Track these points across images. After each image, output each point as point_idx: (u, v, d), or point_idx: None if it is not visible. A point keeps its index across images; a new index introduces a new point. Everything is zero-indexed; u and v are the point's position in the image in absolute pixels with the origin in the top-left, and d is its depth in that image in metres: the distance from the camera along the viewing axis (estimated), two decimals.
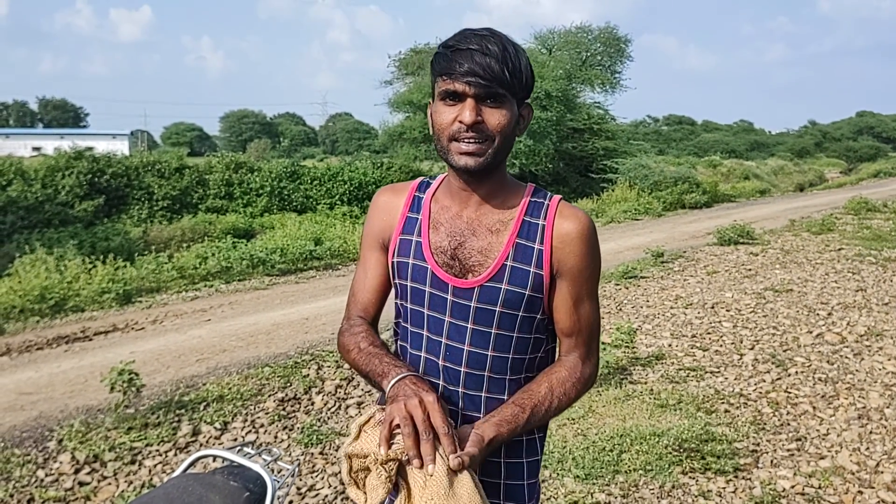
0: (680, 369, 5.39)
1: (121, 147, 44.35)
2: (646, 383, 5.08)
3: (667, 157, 31.40)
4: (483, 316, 1.45)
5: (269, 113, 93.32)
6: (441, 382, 1.48)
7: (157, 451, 3.98)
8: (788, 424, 4.36)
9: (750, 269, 9.44)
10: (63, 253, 9.94)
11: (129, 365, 4.32)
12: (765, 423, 4.35)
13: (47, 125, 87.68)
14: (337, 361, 5.48)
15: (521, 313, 1.46)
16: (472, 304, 1.45)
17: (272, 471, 1.74)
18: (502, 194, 1.49)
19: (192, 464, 1.73)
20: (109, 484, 3.64)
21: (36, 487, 3.56)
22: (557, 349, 1.57)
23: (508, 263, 1.44)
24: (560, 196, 1.53)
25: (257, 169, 19.30)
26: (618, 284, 8.62)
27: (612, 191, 20.47)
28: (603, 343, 5.28)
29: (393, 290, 1.60)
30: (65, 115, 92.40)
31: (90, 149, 17.58)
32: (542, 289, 1.46)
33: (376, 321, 1.64)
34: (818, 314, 6.88)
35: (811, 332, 6.25)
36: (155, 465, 3.83)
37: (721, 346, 6.01)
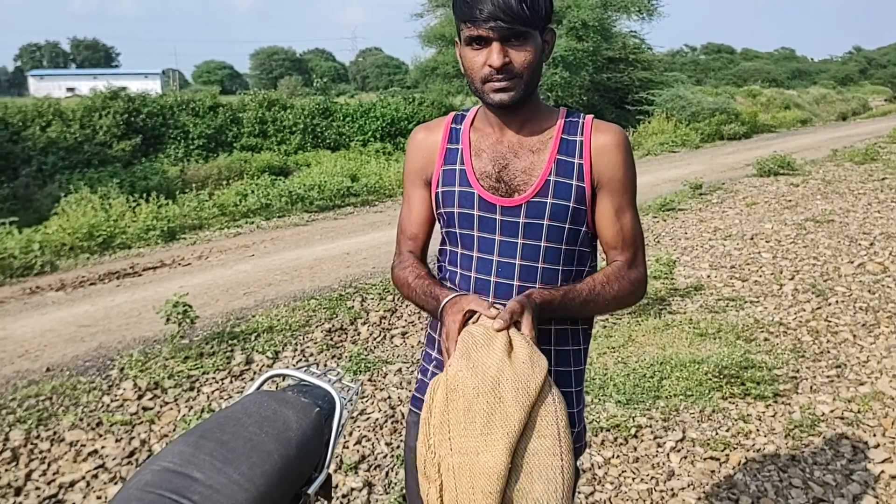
0: (719, 299, 5.42)
1: (153, 86, 44.53)
2: (685, 313, 5.13)
3: (705, 88, 30.63)
4: (532, 230, 1.53)
5: (299, 49, 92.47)
6: (492, 299, 1.55)
7: (214, 378, 4.17)
8: (828, 352, 4.39)
9: (790, 201, 9.33)
10: (106, 192, 10.14)
11: (182, 297, 4.48)
12: (804, 351, 4.40)
13: (80, 65, 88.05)
14: (380, 294, 5.60)
15: (567, 225, 1.54)
16: (521, 220, 1.53)
17: (338, 389, 1.84)
18: (538, 118, 1.57)
19: (265, 382, 1.83)
20: (171, 409, 3.84)
21: (103, 412, 3.76)
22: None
23: (552, 178, 1.52)
24: (592, 115, 1.60)
25: (290, 106, 19.30)
26: (655, 217, 8.59)
27: (649, 123, 20.15)
28: None
29: (438, 220, 1.67)
30: (96, 55, 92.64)
31: (124, 88, 17.72)
32: (584, 200, 1.53)
33: (425, 253, 1.73)
34: (860, 244, 6.82)
35: (852, 262, 6.22)
36: (212, 392, 4.02)
37: (760, 276, 6.01)
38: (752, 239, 7.28)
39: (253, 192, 10.41)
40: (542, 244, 1.54)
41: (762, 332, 4.74)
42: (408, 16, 34.51)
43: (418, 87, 25.24)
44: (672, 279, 5.91)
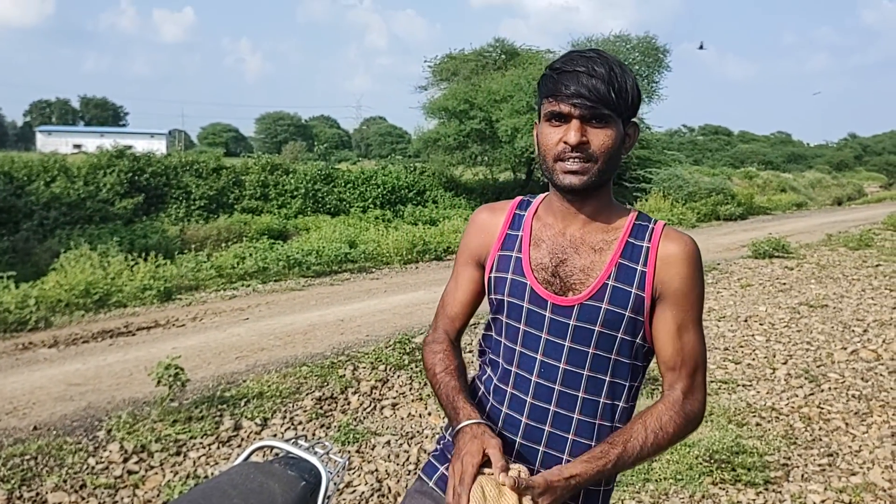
0: (712, 381, 5.42)
1: (159, 146, 45.13)
2: None
3: (702, 168, 31.17)
4: (581, 334, 1.45)
5: (305, 115, 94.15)
6: (529, 399, 1.49)
7: (201, 443, 4.13)
8: (820, 440, 4.37)
9: (784, 284, 9.40)
10: (105, 249, 10.20)
11: (175, 360, 4.47)
12: (796, 438, 4.37)
13: (88, 123, 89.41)
14: (372, 363, 5.59)
15: (620, 335, 1.45)
16: (571, 322, 1.45)
17: (325, 462, 1.84)
18: (606, 214, 1.50)
19: (252, 453, 1.84)
20: (156, 473, 3.79)
21: (87, 474, 3.72)
22: (661, 388, 1.54)
23: (610, 283, 1.44)
24: (665, 222, 1.54)
25: (292, 171, 19.58)
26: None
27: (646, 200, 20.41)
28: None
29: (489, 306, 1.61)
30: (105, 114, 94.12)
31: (129, 147, 18.00)
32: (642, 311, 1.44)
33: (460, 335, 1.71)
34: (853, 331, 6.84)
35: (846, 349, 6.23)
36: (199, 458, 3.98)
37: (754, 359, 6.02)
38: (746, 321, 7.31)
39: (251, 255, 10.47)
40: (591, 351, 1.45)
41: (754, 416, 4.72)
42: (412, 88, 35.22)
43: (419, 157, 25.65)
44: None
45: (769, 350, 6.27)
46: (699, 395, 1.50)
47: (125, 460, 3.88)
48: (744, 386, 5.35)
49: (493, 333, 1.60)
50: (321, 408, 4.80)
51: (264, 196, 18.76)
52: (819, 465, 4.01)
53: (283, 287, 9.37)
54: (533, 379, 1.49)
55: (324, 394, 5.01)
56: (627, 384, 1.50)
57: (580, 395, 1.47)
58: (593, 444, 1.46)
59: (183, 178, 17.67)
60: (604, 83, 1.36)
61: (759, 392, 5.21)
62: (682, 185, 20.75)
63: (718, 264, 11.03)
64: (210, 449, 4.09)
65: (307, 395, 4.96)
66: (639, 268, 1.45)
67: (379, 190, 19.88)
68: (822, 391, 5.21)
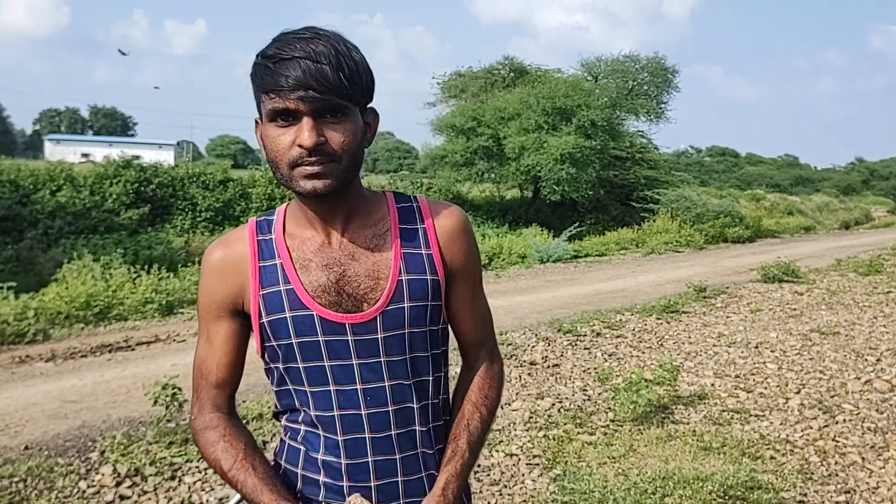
0: (724, 410, 5.28)
1: (166, 157, 45.24)
2: (688, 423, 4.98)
3: (709, 189, 31.08)
4: (393, 343, 1.30)
5: None
6: (368, 435, 1.31)
7: (197, 467, 4.00)
8: (837, 475, 4.23)
9: (795, 309, 9.25)
10: (108, 261, 10.12)
11: (172, 379, 4.36)
12: (812, 473, 4.23)
13: (97, 132, 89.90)
14: None
15: (427, 328, 1.34)
16: (379, 335, 1.29)
17: None
18: (365, 208, 1.35)
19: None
20: (149, 499, 3.66)
21: (78, 499, 3.60)
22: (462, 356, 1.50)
23: (403, 278, 1.30)
24: (421, 195, 1.43)
25: None
26: (659, 318, 8.50)
27: (654, 221, 20.29)
28: (645, 380, 5.19)
29: (266, 357, 1.35)
30: (114, 124, 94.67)
31: (137, 157, 17.99)
32: (440, 295, 1.35)
33: (233, 402, 1.42)
34: (866, 359, 6.69)
35: (859, 379, 6.08)
36: (195, 483, 3.85)
37: (766, 388, 5.87)
38: (756, 347, 7.17)
39: None
40: (408, 356, 1.32)
41: (768, 449, 4.57)
42: (421, 104, 35.18)
43: (427, 173, 25.61)
44: (675, 386, 5.77)
45: (781, 378, 6.12)
46: (496, 352, 1.51)
47: (118, 484, 3.75)
48: (756, 416, 5.20)
49: (291, 385, 1.33)
50: None
51: (271, 208, 18.66)
52: (836, 503, 3.86)
53: None
54: (363, 412, 1.30)
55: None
56: (443, 373, 1.42)
57: (414, 405, 1.34)
58: (436, 447, 1.38)
59: (189, 189, 17.63)
60: (332, 68, 1.16)
61: (772, 423, 5.06)
62: (690, 207, 20.62)
63: (727, 288, 10.89)
64: (206, 474, 3.96)
65: None
66: (423, 252, 1.34)
67: None
68: (837, 423, 5.06)
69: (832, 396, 5.64)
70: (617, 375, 5.97)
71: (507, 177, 22.21)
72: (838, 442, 4.72)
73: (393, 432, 1.32)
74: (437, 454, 1.38)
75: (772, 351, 7.03)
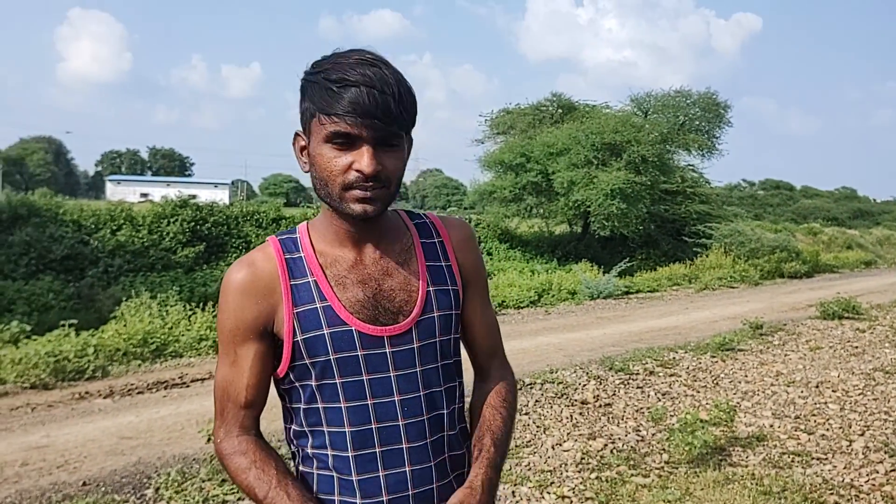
0: (783, 453, 5.10)
1: (221, 196, 46.39)
2: (747, 466, 4.83)
3: (763, 223, 30.45)
4: (427, 352, 1.36)
5: None
6: (406, 445, 1.34)
7: None
8: None
9: (857, 347, 8.94)
10: (165, 298, 10.36)
11: None
12: None
13: (155, 173, 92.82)
14: None
15: (452, 335, 1.41)
16: (415, 345, 1.34)
17: None
18: (390, 226, 1.42)
19: None
20: None
21: None
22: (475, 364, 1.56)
23: (430, 289, 1.37)
24: (430, 211, 1.54)
25: None
26: (714, 356, 8.30)
27: (706, 256, 19.94)
28: (700, 420, 5.06)
29: (294, 374, 1.34)
30: (172, 164, 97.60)
31: (194, 196, 18.48)
32: (460, 304, 1.43)
33: (258, 423, 1.41)
34: None
35: None
36: None
37: (828, 429, 5.67)
38: (817, 387, 6.94)
39: None
40: (439, 363, 1.38)
41: (832, 494, 4.40)
42: (469, 140, 35.29)
43: (475, 209, 25.68)
44: (732, 427, 5.61)
45: (844, 419, 5.90)
46: (507, 362, 1.57)
47: None
48: (819, 459, 5.01)
49: (322, 404, 1.33)
50: None
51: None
52: None
53: None
54: (400, 423, 1.33)
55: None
56: (460, 380, 1.47)
57: (444, 411, 1.39)
58: (462, 450, 1.44)
59: (244, 227, 18.00)
60: (395, 100, 1.21)
61: (835, 467, 4.87)
62: (744, 241, 20.21)
63: (785, 325, 10.61)
64: None
65: None
66: (444, 264, 1.42)
67: None
68: None
69: None
70: (671, 415, 5.84)
71: (555, 212, 22.15)
72: None
73: (427, 440, 1.36)
74: (462, 456, 1.44)
75: (833, 391, 6.80)
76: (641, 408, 6.14)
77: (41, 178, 70.02)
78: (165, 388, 6.63)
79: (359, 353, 1.30)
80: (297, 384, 1.34)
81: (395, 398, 1.32)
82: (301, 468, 1.38)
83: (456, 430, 1.43)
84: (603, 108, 24.65)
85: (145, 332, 8.12)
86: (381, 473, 1.32)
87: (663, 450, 5.11)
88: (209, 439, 4.31)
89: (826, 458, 5.03)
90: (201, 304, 9.61)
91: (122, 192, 56.14)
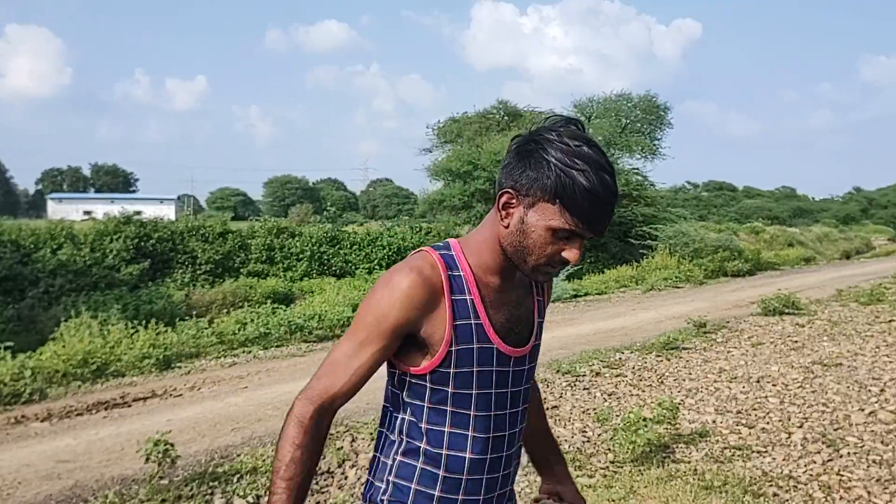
0: (725, 448, 5.21)
1: (167, 211, 45.53)
2: (689, 462, 4.91)
3: (707, 224, 31.12)
4: (530, 373, 1.59)
5: (312, 178, 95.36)
6: (505, 452, 1.54)
7: None
8: None
9: (796, 341, 9.19)
10: (107, 317, 10.09)
11: (164, 435, 4.31)
12: None
13: (98, 190, 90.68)
14: (371, 433, 5.41)
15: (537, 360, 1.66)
16: (527, 366, 1.56)
17: None
18: None
19: None
20: None
21: None
22: None
23: (537, 320, 1.60)
24: None
25: (298, 234, 19.60)
26: (659, 356, 8.44)
27: (652, 258, 20.28)
28: (644, 419, 5.13)
29: (433, 378, 1.45)
30: (115, 181, 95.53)
31: (138, 213, 18.08)
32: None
33: (334, 412, 1.47)
34: (870, 391, 6.62)
35: (863, 410, 6.01)
36: None
37: (768, 423, 5.80)
38: (758, 382, 7.10)
39: (253, 320, 10.36)
40: (529, 384, 1.60)
41: (771, 486, 4.50)
42: (417, 150, 35.38)
43: (426, 218, 25.71)
44: (676, 424, 5.70)
45: (783, 413, 6.05)
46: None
47: None
48: (759, 452, 5.13)
49: (452, 408, 1.46)
50: (317, 483, 4.60)
51: (270, 259, 18.73)
52: None
53: (285, 353, 9.22)
54: (506, 433, 1.53)
55: (320, 468, 4.82)
56: None
57: (522, 424, 1.61)
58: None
59: (189, 242, 17.66)
60: (607, 220, 1.40)
61: (774, 459, 4.99)
62: (689, 242, 20.63)
63: (728, 322, 10.84)
64: None
65: None
66: (541, 298, 1.64)
67: (384, 251, 19.82)
68: (841, 456, 4.99)
69: (836, 429, 5.57)
70: (617, 415, 5.91)
71: None
72: (843, 476, 4.64)
73: (514, 448, 1.58)
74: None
75: (774, 385, 6.97)
76: (588, 409, 6.21)
77: None
78: (106, 408, 6.46)
79: (493, 369, 1.48)
80: (429, 385, 1.46)
81: (508, 410, 1.52)
82: (399, 458, 1.51)
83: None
84: (548, 114, 24.93)
85: (85, 352, 7.89)
86: (484, 476, 1.50)
87: (609, 449, 5.16)
88: (147, 459, 4.21)
89: (766, 451, 5.15)
90: (145, 322, 9.39)
91: (65, 210, 54.76)
